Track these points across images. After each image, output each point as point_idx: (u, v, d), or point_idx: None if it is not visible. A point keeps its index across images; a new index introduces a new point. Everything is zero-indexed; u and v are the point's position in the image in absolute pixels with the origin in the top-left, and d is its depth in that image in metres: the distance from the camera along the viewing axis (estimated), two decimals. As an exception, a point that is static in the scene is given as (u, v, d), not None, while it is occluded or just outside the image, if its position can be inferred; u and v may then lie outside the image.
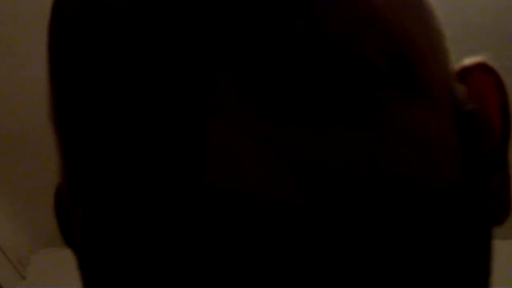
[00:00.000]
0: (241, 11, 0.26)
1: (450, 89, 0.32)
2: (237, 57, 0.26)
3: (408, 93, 0.28)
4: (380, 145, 0.26)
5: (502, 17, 1.76)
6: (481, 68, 0.35)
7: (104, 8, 0.26)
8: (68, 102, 0.28)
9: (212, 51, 0.25)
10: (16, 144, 2.34)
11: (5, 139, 2.32)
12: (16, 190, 2.57)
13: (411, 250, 0.26)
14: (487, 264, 0.31)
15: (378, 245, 0.25)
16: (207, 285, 0.23)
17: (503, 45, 1.81)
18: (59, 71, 0.28)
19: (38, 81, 2.09)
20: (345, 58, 0.26)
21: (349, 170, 0.25)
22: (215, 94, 0.25)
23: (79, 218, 0.28)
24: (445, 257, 0.27)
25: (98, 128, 0.26)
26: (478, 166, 0.31)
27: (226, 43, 0.25)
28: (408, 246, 0.26)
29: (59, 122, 0.29)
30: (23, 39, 1.90)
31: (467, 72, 0.35)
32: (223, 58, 0.25)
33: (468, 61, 0.35)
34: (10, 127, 2.28)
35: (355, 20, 0.26)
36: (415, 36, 0.29)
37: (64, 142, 0.30)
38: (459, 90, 0.33)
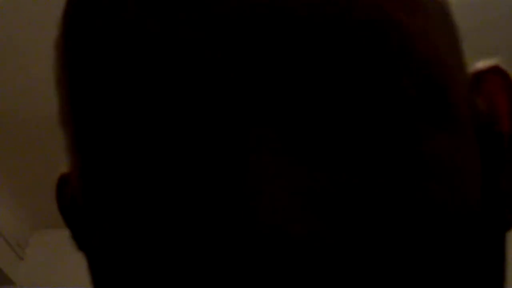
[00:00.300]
0: (285, 73, 0.26)
1: (470, 102, 0.31)
2: (281, 109, 0.26)
3: (440, 123, 0.27)
4: (413, 180, 0.26)
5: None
6: (494, 71, 0.35)
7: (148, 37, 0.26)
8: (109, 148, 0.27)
9: (258, 102, 0.25)
10: (15, 132, 2.34)
11: (5, 128, 2.33)
12: (13, 173, 2.57)
13: (434, 279, 0.26)
14: (502, 269, 0.31)
15: (410, 277, 0.25)
16: None
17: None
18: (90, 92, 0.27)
19: (39, 81, 2.09)
20: (381, 96, 0.26)
21: (383, 210, 0.26)
22: (259, 142, 0.25)
23: (105, 233, 0.28)
24: (463, 268, 0.27)
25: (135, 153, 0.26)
26: (498, 180, 0.31)
27: (271, 96, 0.25)
28: (432, 275, 0.26)
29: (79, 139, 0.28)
30: (28, 40, 1.89)
31: (481, 76, 0.34)
32: (268, 111, 0.25)
33: (482, 64, 0.35)
34: (11, 118, 2.28)
35: (391, 59, 0.26)
36: (447, 62, 0.29)
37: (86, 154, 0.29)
38: (477, 102, 0.32)
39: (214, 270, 0.24)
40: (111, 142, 0.27)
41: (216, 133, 0.25)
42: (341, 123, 0.26)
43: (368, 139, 0.26)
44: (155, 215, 0.26)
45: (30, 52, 1.99)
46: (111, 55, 0.26)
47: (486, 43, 1.84)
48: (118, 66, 0.26)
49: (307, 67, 0.25)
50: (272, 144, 0.25)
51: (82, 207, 0.30)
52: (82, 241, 0.35)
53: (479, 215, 0.28)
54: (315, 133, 0.26)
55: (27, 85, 2.12)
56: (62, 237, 2.82)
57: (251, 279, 0.23)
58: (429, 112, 0.27)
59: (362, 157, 0.26)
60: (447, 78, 0.28)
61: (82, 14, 0.28)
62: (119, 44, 0.26)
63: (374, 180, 0.26)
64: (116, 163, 0.27)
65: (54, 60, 0.31)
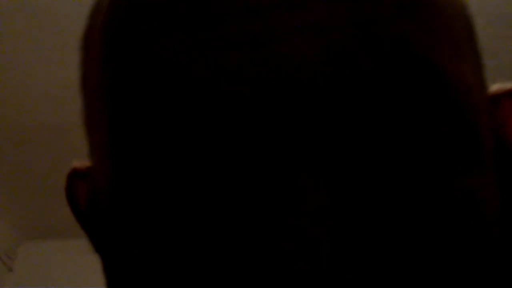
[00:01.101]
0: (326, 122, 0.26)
1: (491, 130, 0.31)
2: (324, 161, 0.26)
3: (471, 162, 0.28)
4: (442, 222, 0.27)
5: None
6: (509, 95, 0.34)
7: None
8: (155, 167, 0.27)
9: (302, 154, 0.26)
10: (2, 143, 2.33)
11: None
12: (1, 183, 2.56)
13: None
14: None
15: None
16: None
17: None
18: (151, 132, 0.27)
19: (37, 88, 2.09)
20: (421, 139, 0.26)
21: (408, 252, 0.26)
22: (300, 191, 0.25)
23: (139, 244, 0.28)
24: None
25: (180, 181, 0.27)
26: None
27: (313, 145, 0.26)
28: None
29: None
30: (27, 48, 1.89)
31: (497, 100, 0.34)
32: (311, 162, 0.26)
33: (496, 88, 0.35)
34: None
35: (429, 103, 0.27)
36: (477, 99, 0.29)
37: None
38: (494, 126, 0.32)
39: None
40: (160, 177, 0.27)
41: (264, 178, 0.26)
42: (381, 172, 0.26)
43: (407, 187, 0.26)
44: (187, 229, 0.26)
45: (25, 60, 1.99)
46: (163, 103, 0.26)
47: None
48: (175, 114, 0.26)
49: (350, 119, 0.26)
50: (315, 193, 0.25)
51: (106, 209, 0.30)
52: (100, 243, 0.35)
53: (498, 241, 0.29)
54: (357, 184, 0.26)
55: (18, 95, 2.12)
56: (51, 247, 2.81)
57: None
58: (462, 152, 0.27)
59: (402, 207, 0.26)
60: (478, 118, 0.29)
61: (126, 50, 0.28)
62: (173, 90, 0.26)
63: (410, 225, 0.26)
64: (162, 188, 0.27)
65: (85, 79, 0.32)
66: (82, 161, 0.37)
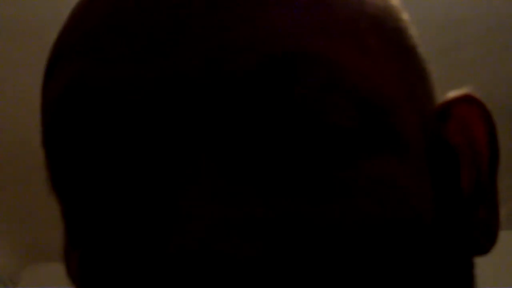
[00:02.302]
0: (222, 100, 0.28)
1: (428, 131, 0.32)
2: (218, 138, 0.28)
3: (378, 147, 0.29)
4: (346, 200, 0.27)
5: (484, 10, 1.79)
6: (466, 100, 0.35)
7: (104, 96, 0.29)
8: (61, 174, 0.31)
9: (197, 134, 0.28)
10: (6, 166, 2.33)
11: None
12: (5, 207, 2.56)
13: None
14: None
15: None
16: None
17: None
18: (52, 148, 0.31)
19: (35, 109, 2.11)
20: (313, 128, 0.27)
21: (312, 229, 0.27)
22: (195, 168, 0.27)
23: (75, 261, 0.31)
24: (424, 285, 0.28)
25: (89, 191, 0.30)
26: (455, 201, 0.32)
27: (209, 128, 0.28)
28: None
29: (57, 186, 0.32)
30: (25, 64, 1.89)
31: (451, 106, 0.35)
32: (206, 140, 0.27)
33: (452, 94, 0.35)
34: (1, 153, 2.28)
35: (325, 85, 0.28)
36: (386, 90, 0.30)
37: (62, 203, 0.32)
38: (437, 128, 0.33)
39: (144, 275, 0.26)
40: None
41: (161, 162, 0.28)
42: (270, 153, 0.28)
43: (295, 163, 0.28)
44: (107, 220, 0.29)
45: (23, 87, 1.99)
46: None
47: (464, 60, 1.86)
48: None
49: (237, 106, 0.28)
50: (208, 171, 0.27)
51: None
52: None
53: (434, 232, 0.29)
54: (247, 159, 0.28)
55: (21, 119, 2.12)
56: (55, 270, 2.80)
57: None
58: (361, 135, 0.28)
59: (290, 180, 0.27)
60: (382, 106, 0.29)
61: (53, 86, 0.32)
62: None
63: (301, 202, 0.27)
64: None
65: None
66: None
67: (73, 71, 0.30)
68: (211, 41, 0.28)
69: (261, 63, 0.27)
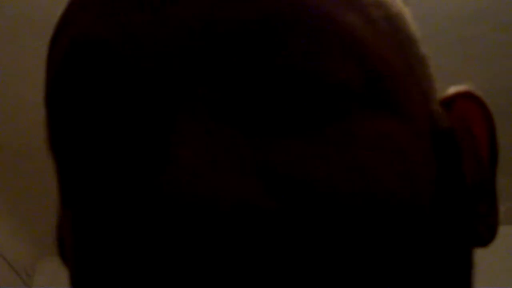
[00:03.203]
0: (218, 45, 0.28)
1: (430, 112, 0.32)
2: (214, 80, 0.28)
3: (378, 106, 0.28)
4: (345, 154, 0.27)
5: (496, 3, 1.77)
6: (466, 97, 0.35)
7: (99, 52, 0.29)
8: (60, 129, 0.31)
9: (192, 71, 0.28)
10: (20, 158, 2.35)
11: (10, 154, 2.34)
12: (20, 200, 2.58)
13: (381, 265, 0.26)
14: (467, 282, 0.32)
15: (345, 255, 0.25)
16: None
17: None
18: (54, 103, 0.32)
19: (40, 104, 2.10)
20: (314, 83, 0.27)
21: (316, 178, 0.26)
22: (188, 105, 0.27)
23: (68, 221, 0.31)
24: (420, 273, 0.27)
25: (83, 146, 0.30)
26: (457, 187, 0.31)
27: (206, 67, 0.28)
28: (378, 260, 0.26)
29: (53, 145, 0.33)
30: (27, 63, 1.91)
31: (452, 101, 0.35)
32: (202, 78, 0.27)
33: (453, 89, 0.35)
34: (15, 144, 2.29)
35: (327, 44, 0.28)
36: (389, 58, 0.30)
37: (56, 161, 0.33)
38: (440, 113, 0.33)
39: (138, 235, 0.26)
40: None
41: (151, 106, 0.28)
42: (276, 97, 0.27)
43: (295, 112, 0.27)
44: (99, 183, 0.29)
45: (26, 81, 2.01)
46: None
47: (476, 53, 1.85)
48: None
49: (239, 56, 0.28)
50: (199, 112, 0.27)
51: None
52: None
53: (433, 213, 0.29)
54: (246, 100, 0.28)
55: (29, 114, 2.14)
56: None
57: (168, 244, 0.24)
58: (362, 94, 0.28)
59: (290, 127, 0.27)
60: (385, 71, 0.29)
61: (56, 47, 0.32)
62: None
63: (305, 149, 0.27)
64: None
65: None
66: None
67: (79, 27, 0.30)
68: None
69: (264, 13, 0.28)
